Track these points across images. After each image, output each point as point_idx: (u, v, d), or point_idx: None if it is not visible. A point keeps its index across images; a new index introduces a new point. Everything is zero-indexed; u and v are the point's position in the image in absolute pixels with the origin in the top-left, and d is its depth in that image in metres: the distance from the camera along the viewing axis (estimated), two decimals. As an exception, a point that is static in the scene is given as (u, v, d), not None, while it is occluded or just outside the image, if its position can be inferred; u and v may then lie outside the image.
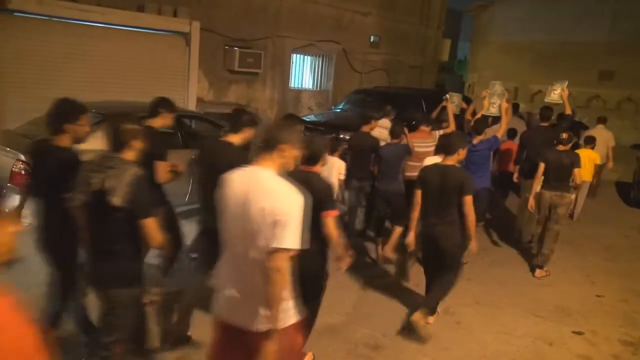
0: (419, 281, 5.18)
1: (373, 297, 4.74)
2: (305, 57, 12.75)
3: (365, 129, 5.86)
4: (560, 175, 5.43)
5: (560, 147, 5.47)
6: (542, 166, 5.47)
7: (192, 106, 9.28)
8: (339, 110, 10.73)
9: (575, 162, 5.43)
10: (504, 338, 4.20)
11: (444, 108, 6.86)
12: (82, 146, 3.35)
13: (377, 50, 14.03)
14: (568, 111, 6.40)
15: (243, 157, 3.41)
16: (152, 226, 2.46)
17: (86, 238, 2.67)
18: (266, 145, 2.27)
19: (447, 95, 6.93)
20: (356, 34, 13.31)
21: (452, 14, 21.08)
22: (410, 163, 5.60)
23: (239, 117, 3.80)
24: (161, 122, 4.18)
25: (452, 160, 4.02)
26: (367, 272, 5.30)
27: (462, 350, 3.96)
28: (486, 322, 4.45)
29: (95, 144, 3.13)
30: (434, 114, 7.02)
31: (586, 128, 9.50)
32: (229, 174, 2.33)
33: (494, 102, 6.51)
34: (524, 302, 4.89)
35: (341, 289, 4.78)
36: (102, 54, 8.28)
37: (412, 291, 4.94)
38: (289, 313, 2.25)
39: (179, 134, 6.27)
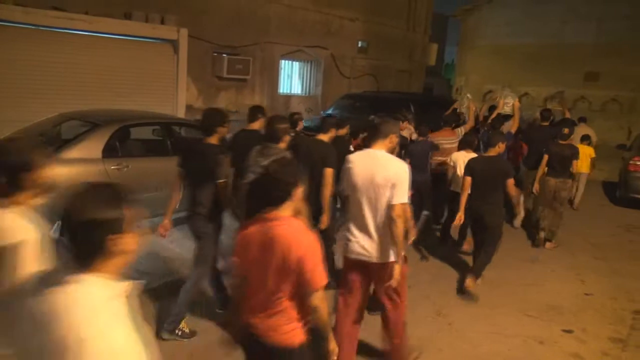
0: (412, 283, 5.21)
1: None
2: (294, 62, 12.79)
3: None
4: (562, 165, 6.35)
5: (562, 142, 6.41)
6: (545, 157, 6.42)
7: (181, 113, 9.26)
8: (327, 115, 10.77)
9: (575, 153, 6.39)
10: (495, 338, 4.23)
11: (455, 109, 8.26)
12: None
13: (365, 56, 14.12)
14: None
15: (332, 150, 4.44)
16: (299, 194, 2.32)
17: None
18: (381, 134, 3.28)
19: (467, 96, 8.78)
20: (344, 40, 13.39)
21: (438, 18, 21.26)
22: (437, 158, 6.52)
23: (325, 121, 4.92)
24: (259, 125, 4.87)
25: (494, 152, 4.98)
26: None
27: (455, 350, 3.99)
28: (478, 322, 4.48)
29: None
30: (447, 114, 7.70)
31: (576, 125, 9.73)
32: (352, 155, 3.40)
33: (507, 102, 7.88)
34: (515, 302, 4.93)
35: (330, 294, 4.79)
36: (90, 63, 8.25)
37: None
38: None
39: (169, 142, 6.26)
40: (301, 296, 2.16)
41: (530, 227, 7.03)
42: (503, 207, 5.09)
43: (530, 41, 19.75)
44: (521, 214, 7.23)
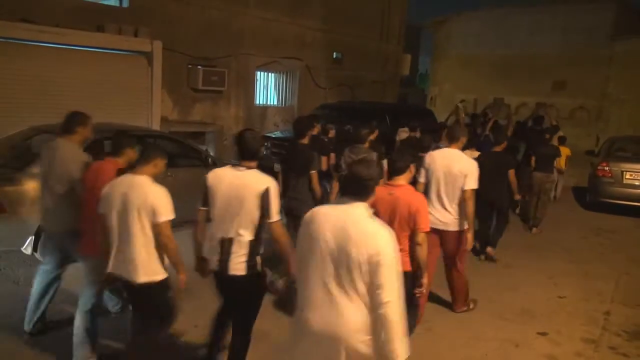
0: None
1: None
2: (270, 74, 12.84)
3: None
4: (546, 162, 7.71)
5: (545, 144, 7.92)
6: (533, 158, 7.75)
7: (156, 125, 9.18)
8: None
9: (556, 153, 7.96)
10: (473, 342, 4.30)
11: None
12: None
13: (340, 66, 14.27)
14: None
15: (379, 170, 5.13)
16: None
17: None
18: (455, 138, 4.62)
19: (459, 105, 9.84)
20: (319, 51, 13.52)
21: (411, 29, 21.66)
22: None
23: (359, 132, 5.67)
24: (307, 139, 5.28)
25: (499, 148, 6.21)
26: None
27: (434, 356, 4.03)
28: (456, 327, 4.54)
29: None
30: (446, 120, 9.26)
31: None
32: (433, 153, 4.67)
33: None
34: (491, 307, 5.02)
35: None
36: (62, 76, 8.12)
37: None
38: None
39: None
40: (411, 237, 3.41)
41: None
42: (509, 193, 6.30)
43: (499, 52, 20.29)
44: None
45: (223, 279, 3.13)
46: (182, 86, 10.34)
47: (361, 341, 2.25)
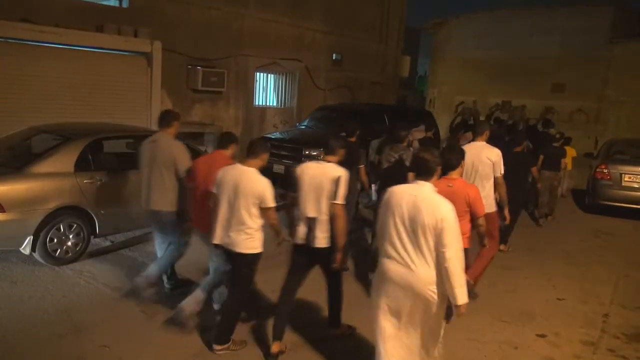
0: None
1: (345, 309, 4.76)
2: (269, 75, 12.84)
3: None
4: (554, 162, 8.40)
5: (554, 145, 8.70)
6: (541, 157, 8.26)
7: (155, 126, 9.12)
8: (303, 127, 10.82)
9: (563, 153, 8.78)
10: (472, 344, 4.29)
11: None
12: None
13: (339, 68, 14.27)
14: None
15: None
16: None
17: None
18: (479, 133, 5.40)
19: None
20: (318, 52, 13.52)
21: (410, 31, 21.68)
22: None
23: (398, 133, 6.07)
24: (355, 138, 6.15)
25: (519, 149, 6.76)
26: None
27: (432, 358, 4.02)
28: (454, 329, 4.51)
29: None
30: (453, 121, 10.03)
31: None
32: (466, 146, 5.04)
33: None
34: (490, 309, 5.01)
35: (313, 305, 4.80)
36: (61, 76, 8.11)
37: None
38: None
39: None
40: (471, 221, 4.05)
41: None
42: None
43: (498, 54, 20.29)
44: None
45: (308, 250, 3.85)
46: (181, 87, 10.33)
47: (428, 289, 3.01)
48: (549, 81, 19.40)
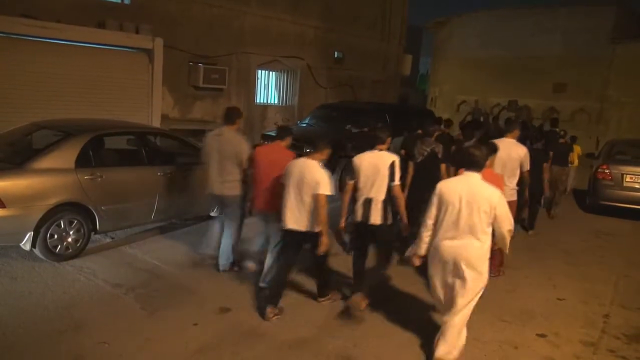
0: (388, 290, 5.24)
1: (342, 309, 4.76)
2: (271, 72, 12.83)
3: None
4: (562, 158, 8.77)
5: (562, 141, 9.18)
6: (551, 153, 8.26)
7: (156, 123, 9.17)
8: (305, 125, 10.81)
9: (571, 149, 9.36)
10: (472, 344, 4.28)
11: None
12: None
13: (341, 66, 14.26)
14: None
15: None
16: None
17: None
18: (509, 131, 6.09)
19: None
20: (320, 50, 13.50)
21: (412, 30, 21.65)
22: None
23: (428, 128, 6.87)
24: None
25: (539, 145, 7.78)
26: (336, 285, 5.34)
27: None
28: (454, 328, 4.52)
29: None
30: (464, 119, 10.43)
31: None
32: (498, 142, 5.74)
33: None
34: (490, 308, 4.99)
35: (311, 303, 4.79)
36: (63, 71, 8.11)
37: (381, 303, 4.99)
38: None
39: (143, 151, 6.18)
40: None
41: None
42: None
43: (500, 53, 20.26)
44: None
45: (366, 227, 4.56)
46: (182, 84, 10.32)
47: (477, 260, 3.76)
48: (550, 81, 19.38)
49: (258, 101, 12.47)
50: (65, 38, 7.99)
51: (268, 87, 12.95)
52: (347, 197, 4.70)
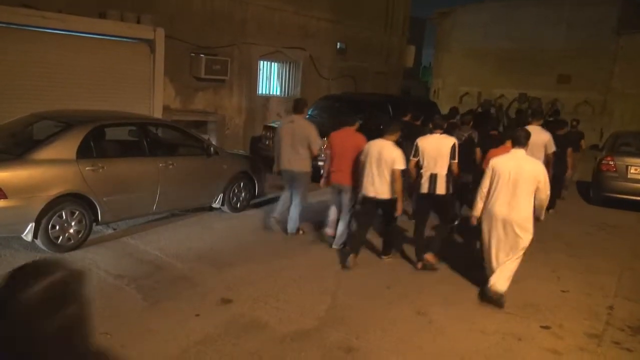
0: (391, 282, 5.22)
1: (344, 301, 4.74)
2: (273, 63, 12.73)
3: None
4: (574, 144, 9.03)
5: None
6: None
7: (158, 114, 9.11)
8: (307, 117, 10.74)
9: (582, 136, 10.09)
10: (475, 335, 4.27)
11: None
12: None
13: (343, 57, 14.15)
14: None
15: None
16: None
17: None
18: (535, 118, 7.35)
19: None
20: (323, 41, 13.39)
21: (416, 21, 21.46)
22: None
23: (464, 117, 7.80)
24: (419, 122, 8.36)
25: (562, 132, 8.45)
26: (338, 277, 5.32)
27: (435, 348, 4.00)
28: (457, 320, 4.51)
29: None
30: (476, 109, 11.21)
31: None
32: (529, 128, 6.00)
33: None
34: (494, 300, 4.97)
35: (313, 295, 4.78)
36: (63, 62, 8.04)
37: (383, 292, 4.97)
38: None
39: (145, 142, 6.14)
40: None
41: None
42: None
43: (504, 44, 20.10)
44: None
45: (431, 197, 5.50)
46: (184, 74, 10.25)
47: (523, 221, 4.67)
48: (554, 72, 19.24)
49: (260, 92, 12.39)
50: (65, 28, 7.92)
51: (270, 78, 12.86)
52: (413, 172, 5.69)
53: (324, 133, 6.53)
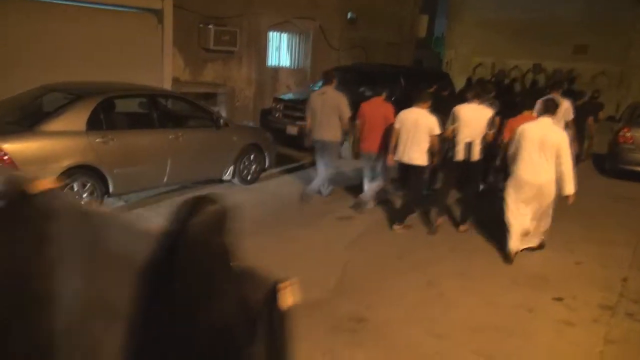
0: (402, 253, 5.21)
1: (356, 271, 4.74)
2: (282, 34, 12.52)
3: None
4: (594, 113, 9.68)
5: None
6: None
7: (167, 85, 9.03)
8: (317, 89, 10.61)
9: (602, 107, 10.40)
10: (486, 307, 4.25)
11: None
12: None
13: (354, 27, 13.86)
14: None
15: None
16: None
17: None
18: (555, 88, 7.77)
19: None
20: (333, 11, 13.10)
21: (428, -11, 20.89)
22: None
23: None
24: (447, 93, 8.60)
25: (580, 101, 9.08)
26: (349, 248, 5.32)
27: (446, 320, 4.00)
28: (469, 292, 4.49)
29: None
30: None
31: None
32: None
33: None
34: (505, 272, 4.96)
35: (324, 266, 4.78)
36: (71, 34, 7.95)
37: (395, 263, 4.96)
38: None
39: (155, 114, 6.10)
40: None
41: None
42: None
43: (519, 14, 19.55)
44: None
45: (467, 163, 5.76)
46: (193, 46, 10.11)
47: (549, 185, 5.02)
48: (570, 43, 18.72)
49: (269, 63, 12.23)
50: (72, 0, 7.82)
51: (279, 50, 12.67)
52: (451, 139, 5.88)
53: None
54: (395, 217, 6.00)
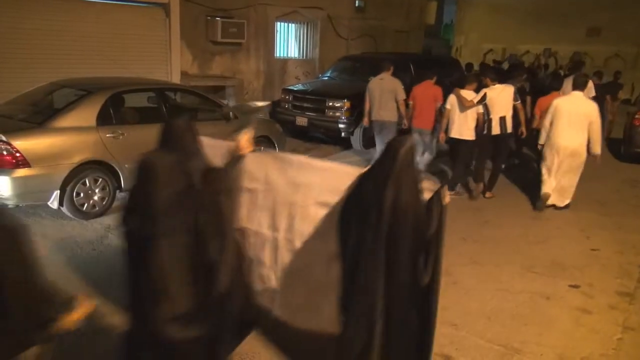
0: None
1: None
2: (290, 25, 12.45)
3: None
4: (614, 92, 10.61)
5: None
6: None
7: (176, 79, 9.04)
8: (326, 78, 10.54)
9: (621, 87, 11.24)
10: (501, 295, 4.21)
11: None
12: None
13: (362, 16, 13.73)
14: None
15: None
16: None
17: None
18: (578, 69, 10.07)
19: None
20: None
21: (437, -25, 20.58)
22: None
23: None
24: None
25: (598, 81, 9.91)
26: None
27: (461, 309, 3.96)
28: (483, 280, 4.45)
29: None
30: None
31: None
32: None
33: None
34: (520, 259, 4.89)
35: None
36: (79, 29, 7.98)
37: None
38: None
39: (164, 108, 6.10)
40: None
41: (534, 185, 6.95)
42: None
43: (531, -3, 19.20)
44: None
45: (499, 136, 6.52)
46: (200, 38, 10.10)
47: (581, 148, 5.96)
48: (583, 25, 18.35)
49: (278, 55, 12.18)
50: (80, -6, 7.83)
51: (288, 40, 12.60)
52: (480, 118, 6.48)
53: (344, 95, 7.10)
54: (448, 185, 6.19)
